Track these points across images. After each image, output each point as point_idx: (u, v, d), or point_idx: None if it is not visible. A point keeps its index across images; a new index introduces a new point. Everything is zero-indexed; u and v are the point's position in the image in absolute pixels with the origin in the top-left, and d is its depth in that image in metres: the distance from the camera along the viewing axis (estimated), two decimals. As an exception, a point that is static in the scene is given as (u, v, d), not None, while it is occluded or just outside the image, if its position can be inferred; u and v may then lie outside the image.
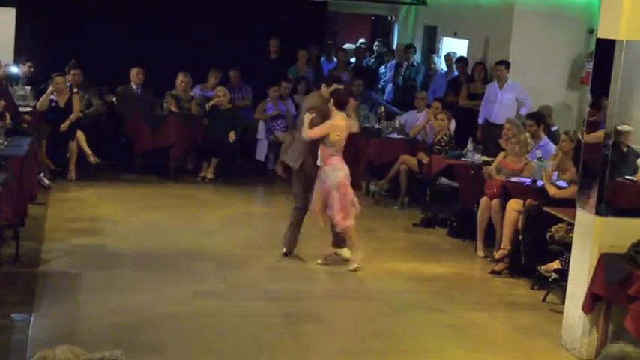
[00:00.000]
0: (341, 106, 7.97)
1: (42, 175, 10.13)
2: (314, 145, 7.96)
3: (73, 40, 12.43)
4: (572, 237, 6.74)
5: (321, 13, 14.72)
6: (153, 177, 11.43)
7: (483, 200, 8.74)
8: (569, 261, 6.76)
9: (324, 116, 7.94)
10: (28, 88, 11.47)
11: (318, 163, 7.96)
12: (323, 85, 8.25)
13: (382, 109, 12.10)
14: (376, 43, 16.32)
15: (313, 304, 7.16)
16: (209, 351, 6.09)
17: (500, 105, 11.33)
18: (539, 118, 9.75)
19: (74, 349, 2.67)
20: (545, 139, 9.61)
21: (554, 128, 10.55)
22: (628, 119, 6.61)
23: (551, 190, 8.13)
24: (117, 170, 11.53)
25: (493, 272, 8.27)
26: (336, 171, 7.89)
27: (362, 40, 16.67)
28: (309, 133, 7.91)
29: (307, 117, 7.92)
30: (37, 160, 9.12)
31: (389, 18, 17.09)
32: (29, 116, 10.53)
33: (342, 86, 8.30)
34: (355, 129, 8.58)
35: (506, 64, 11.37)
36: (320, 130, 7.88)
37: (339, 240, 8.24)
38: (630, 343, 3.02)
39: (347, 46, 16.62)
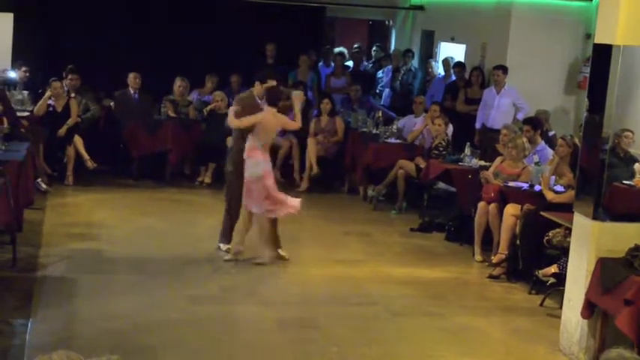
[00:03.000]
0: (272, 102, 8.21)
1: (39, 179, 10.13)
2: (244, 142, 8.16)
3: (70, 45, 12.43)
4: (569, 241, 6.74)
5: (318, 17, 14.72)
6: (150, 182, 11.42)
7: (481, 205, 8.74)
8: (566, 265, 6.75)
9: (251, 111, 8.13)
10: (26, 92, 11.47)
11: (244, 155, 8.13)
12: (257, 83, 8.33)
13: (379, 113, 12.11)
14: (374, 48, 16.32)
15: (309, 310, 7.15)
16: (204, 356, 6.08)
17: (498, 110, 11.35)
18: (536, 123, 9.76)
19: (70, 355, 2.66)
20: (542, 143, 9.62)
21: (551, 133, 10.56)
22: (625, 124, 6.62)
23: (549, 195, 8.14)
24: (114, 175, 11.51)
25: (491, 277, 8.27)
26: (257, 165, 8.08)
27: (356, 45, 16.65)
28: (234, 122, 8.14)
29: (232, 109, 8.23)
30: (34, 164, 9.11)
31: (386, 23, 17.10)
32: (26, 121, 10.52)
33: (275, 83, 8.38)
34: (295, 126, 8.79)
35: (503, 69, 11.39)
36: (247, 120, 8.07)
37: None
38: (629, 348, 3.01)
39: (340, 48, 16.56)
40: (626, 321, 5.70)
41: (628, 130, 6.96)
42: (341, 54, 14.82)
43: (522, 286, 8.04)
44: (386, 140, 11.23)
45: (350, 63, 15.30)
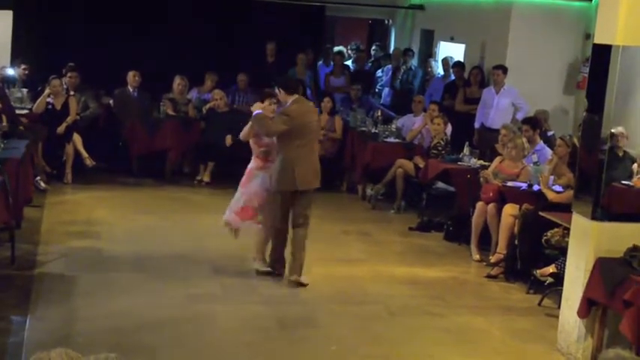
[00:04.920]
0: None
1: (38, 177, 10.13)
2: None
3: (69, 43, 12.43)
4: (567, 241, 6.74)
5: (318, 16, 14.72)
6: (149, 180, 11.42)
7: (479, 204, 8.75)
8: (564, 265, 6.76)
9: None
10: (25, 90, 11.48)
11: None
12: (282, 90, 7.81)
13: (379, 113, 12.11)
14: (373, 47, 16.33)
15: (309, 309, 7.15)
16: (204, 355, 6.08)
17: (497, 109, 11.36)
18: (535, 123, 9.78)
19: (69, 352, 2.66)
20: (541, 143, 9.63)
21: (550, 133, 10.57)
22: (624, 124, 6.63)
23: (550, 195, 8.13)
24: (113, 173, 11.51)
25: (489, 276, 8.28)
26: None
27: (354, 46, 16.66)
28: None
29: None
30: (33, 162, 9.10)
31: (386, 22, 17.10)
32: (25, 119, 10.52)
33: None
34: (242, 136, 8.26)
35: (502, 69, 11.40)
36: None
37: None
38: (627, 348, 3.02)
39: (339, 48, 16.57)
40: (628, 325, 5.69)
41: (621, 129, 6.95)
42: (340, 53, 14.82)
43: (520, 285, 8.05)
44: (385, 139, 11.23)
45: (349, 62, 15.32)
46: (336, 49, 15.61)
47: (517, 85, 11.38)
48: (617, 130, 6.36)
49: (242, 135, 7.95)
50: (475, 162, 9.73)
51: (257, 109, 7.72)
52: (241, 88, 12.59)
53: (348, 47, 16.75)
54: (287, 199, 7.62)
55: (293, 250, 7.66)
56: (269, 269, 7.82)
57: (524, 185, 8.67)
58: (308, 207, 7.66)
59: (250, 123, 7.76)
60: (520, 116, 10.99)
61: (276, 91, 7.74)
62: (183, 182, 11.53)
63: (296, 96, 7.72)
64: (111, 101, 12.01)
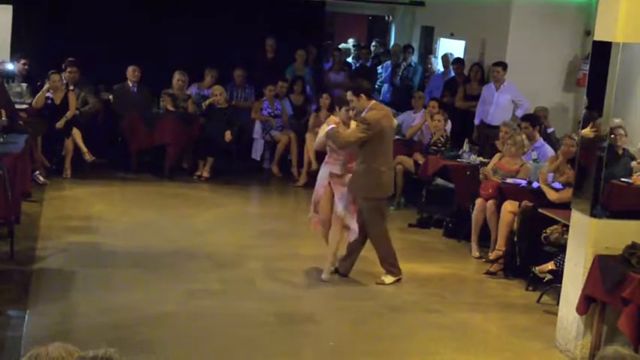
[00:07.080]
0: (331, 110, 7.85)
1: (37, 172, 10.13)
2: None
3: (69, 38, 12.41)
4: (567, 238, 6.74)
5: (318, 12, 14.71)
6: (148, 175, 11.42)
7: (479, 201, 8.75)
8: (563, 262, 6.77)
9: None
10: (24, 85, 11.47)
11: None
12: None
13: (378, 109, 12.08)
14: (373, 44, 16.33)
15: (308, 304, 7.15)
16: (203, 350, 6.08)
17: (497, 106, 11.35)
18: (535, 120, 9.76)
19: (67, 347, 2.66)
20: (540, 140, 9.62)
21: (550, 130, 10.57)
22: (624, 121, 6.62)
23: (553, 196, 8.07)
24: (112, 168, 11.51)
25: (488, 273, 8.28)
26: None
27: (354, 43, 16.64)
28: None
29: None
30: (32, 157, 9.10)
31: (386, 18, 17.10)
32: (25, 113, 10.52)
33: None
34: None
35: (503, 66, 11.39)
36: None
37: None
38: (625, 345, 3.02)
39: (342, 45, 16.60)
40: (627, 323, 5.69)
41: (620, 127, 6.95)
42: (338, 49, 14.81)
43: (519, 282, 8.05)
44: (384, 136, 11.20)
45: (349, 59, 15.31)
46: (346, 45, 15.63)
47: (517, 81, 11.37)
48: (614, 123, 6.34)
49: (316, 145, 8.02)
50: (474, 159, 9.73)
51: (331, 123, 7.69)
52: (238, 83, 12.59)
53: (349, 43, 16.74)
54: (385, 205, 7.83)
55: (353, 252, 7.87)
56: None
57: (523, 182, 8.66)
58: None
59: (323, 135, 7.71)
60: (520, 113, 10.98)
61: (351, 97, 7.56)
62: (182, 178, 11.52)
63: (373, 101, 7.65)
64: (110, 96, 12.00)
